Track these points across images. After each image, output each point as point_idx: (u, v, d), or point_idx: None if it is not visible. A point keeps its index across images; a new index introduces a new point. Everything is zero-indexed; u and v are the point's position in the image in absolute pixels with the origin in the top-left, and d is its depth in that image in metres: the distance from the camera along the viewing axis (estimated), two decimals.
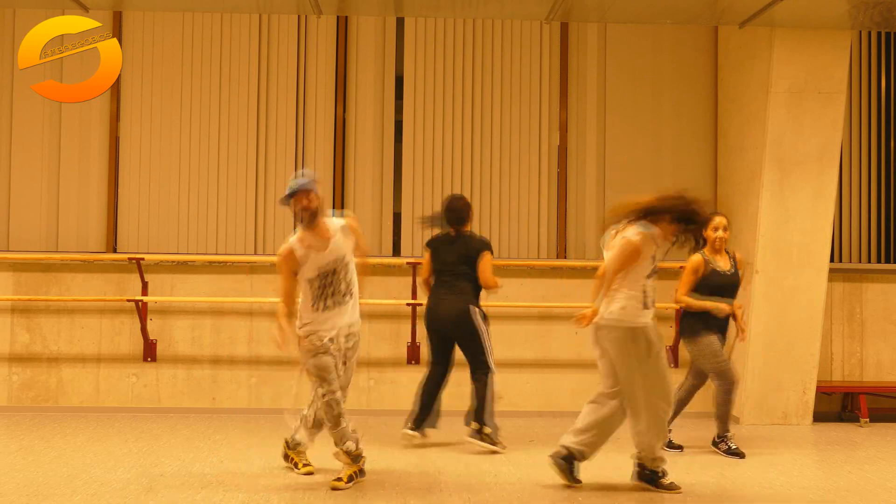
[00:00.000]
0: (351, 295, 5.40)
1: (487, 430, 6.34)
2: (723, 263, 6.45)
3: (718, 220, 6.43)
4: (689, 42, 8.46)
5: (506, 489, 5.40)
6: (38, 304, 7.83)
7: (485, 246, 6.56)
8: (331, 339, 5.30)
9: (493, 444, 6.36)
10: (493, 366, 6.43)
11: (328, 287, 5.30)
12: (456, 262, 6.49)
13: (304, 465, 5.64)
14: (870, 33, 8.36)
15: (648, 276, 5.28)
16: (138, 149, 8.21)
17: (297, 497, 5.14)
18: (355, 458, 5.35)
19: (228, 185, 8.20)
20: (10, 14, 8.09)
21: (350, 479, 5.31)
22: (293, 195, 5.26)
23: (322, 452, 5.60)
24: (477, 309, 6.49)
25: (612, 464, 5.67)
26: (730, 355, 6.62)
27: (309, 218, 5.27)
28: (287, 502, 5.05)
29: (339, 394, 5.28)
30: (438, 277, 6.57)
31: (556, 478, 5.38)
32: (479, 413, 6.39)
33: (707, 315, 6.35)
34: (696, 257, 6.39)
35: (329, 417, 5.28)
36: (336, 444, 5.33)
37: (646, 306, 5.28)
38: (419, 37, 8.37)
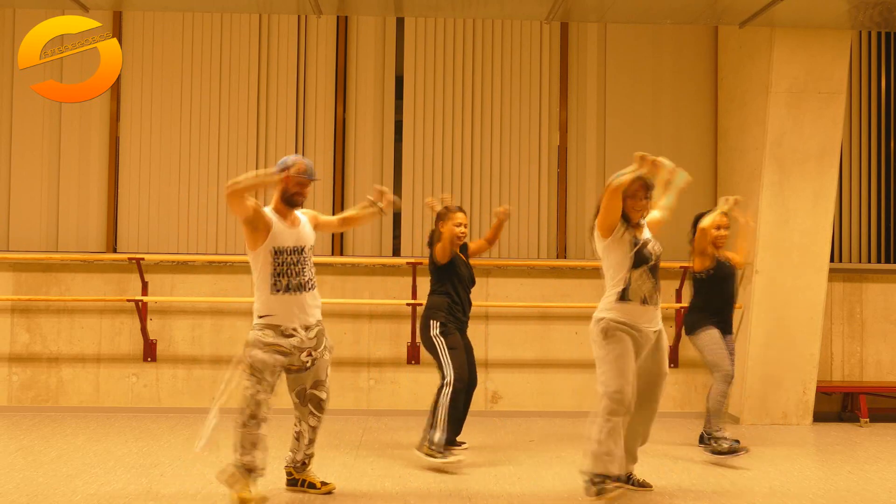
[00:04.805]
0: (314, 286, 5.07)
1: None
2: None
3: (720, 219, 6.40)
4: (689, 42, 8.47)
5: (506, 489, 5.40)
6: (38, 304, 7.83)
7: None
8: (294, 330, 4.95)
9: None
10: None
11: (294, 266, 4.99)
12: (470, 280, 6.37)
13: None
14: (870, 33, 8.36)
15: None
16: (138, 149, 8.22)
17: (296, 497, 5.14)
18: (246, 471, 4.83)
19: None
20: (10, 14, 8.09)
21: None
22: (310, 178, 5.01)
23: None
24: None
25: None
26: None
27: (299, 204, 5.06)
28: (287, 502, 5.06)
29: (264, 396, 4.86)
30: (462, 293, 6.24)
31: (556, 479, 5.35)
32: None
33: (706, 310, 6.38)
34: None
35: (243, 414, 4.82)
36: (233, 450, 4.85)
37: None
38: (419, 37, 8.37)
